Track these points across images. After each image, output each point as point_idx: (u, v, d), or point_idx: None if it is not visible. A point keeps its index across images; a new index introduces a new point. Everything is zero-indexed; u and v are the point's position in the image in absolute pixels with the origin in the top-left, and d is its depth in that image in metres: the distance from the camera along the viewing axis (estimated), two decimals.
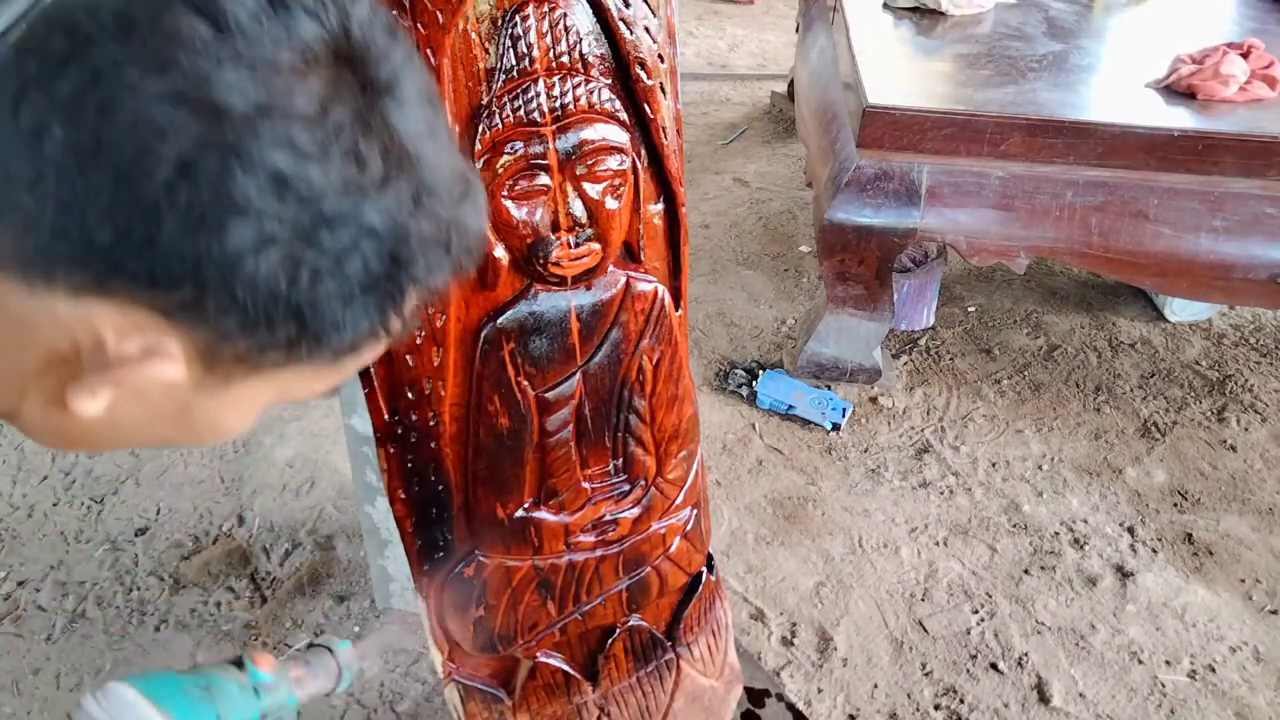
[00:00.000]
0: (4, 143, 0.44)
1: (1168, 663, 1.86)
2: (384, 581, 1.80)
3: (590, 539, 1.14)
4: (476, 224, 0.54)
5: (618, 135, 0.94)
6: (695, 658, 1.32)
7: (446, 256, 0.52)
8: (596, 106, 0.92)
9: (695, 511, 1.23)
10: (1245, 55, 2.39)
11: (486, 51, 0.86)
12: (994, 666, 1.85)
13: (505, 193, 0.90)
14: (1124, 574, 2.05)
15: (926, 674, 1.83)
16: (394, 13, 0.81)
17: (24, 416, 0.55)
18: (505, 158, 0.89)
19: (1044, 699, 1.79)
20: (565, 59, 0.89)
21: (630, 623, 1.24)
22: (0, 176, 0.44)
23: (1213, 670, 1.85)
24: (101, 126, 0.43)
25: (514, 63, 0.87)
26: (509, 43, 0.86)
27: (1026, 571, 2.05)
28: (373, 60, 0.48)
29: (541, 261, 0.95)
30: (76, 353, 0.50)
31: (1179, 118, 2.28)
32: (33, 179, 0.43)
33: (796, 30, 3.71)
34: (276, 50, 0.44)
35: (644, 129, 0.97)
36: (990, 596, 1.99)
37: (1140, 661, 1.86)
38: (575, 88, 0.90)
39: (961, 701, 1.78)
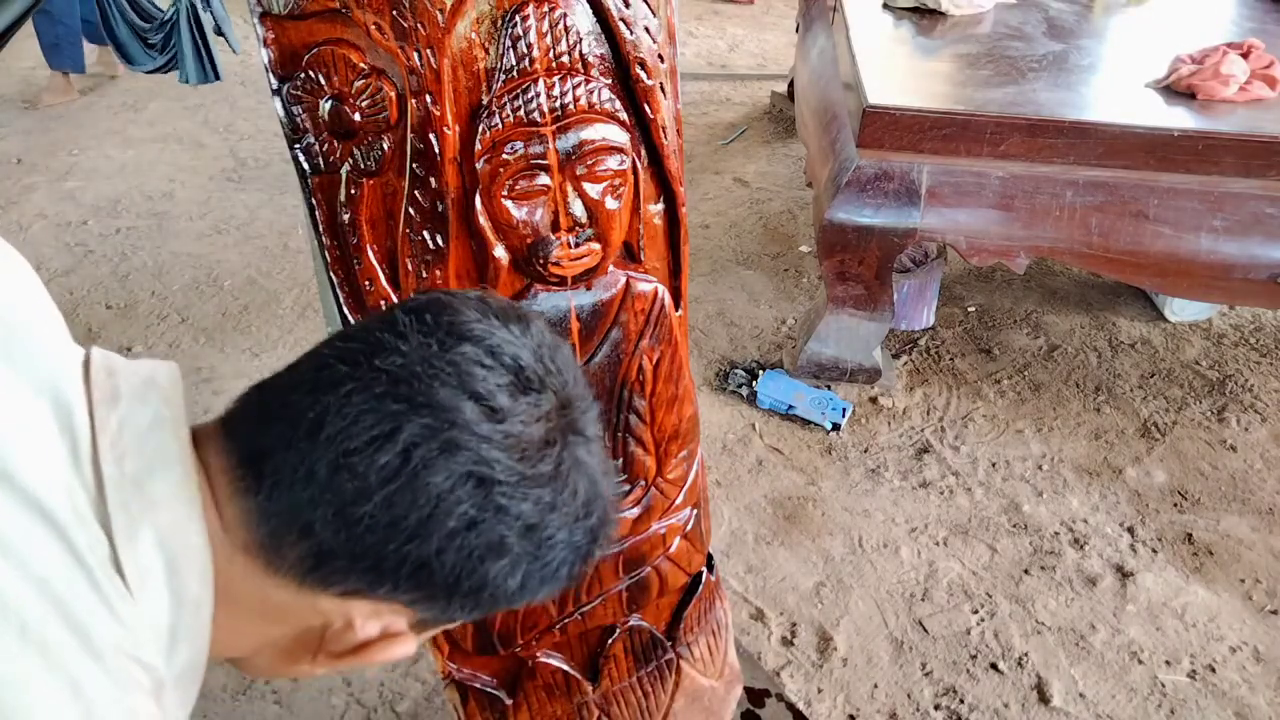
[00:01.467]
0: (314, 479, 0.56)
1: (1168, 663, 1.86)
2: None
3: None
4: (613, 532, 0.68)
5: (618, 135, 0.94)
6: (695, 658, 1.32)
7: (596, 553, 0.65)
8: (596, 106, 0.92)
9: (695, 511, 1.22)
10: (1245, 55, 2.39)
11: (486, 51, 0.86)
12: (994, 666, 1.85)
13: (505, 193, 0.90)
14: (1124, 574, 2.05)
15: (926, 674, 1.83)
16: (397, 14, 0.81)
17: (248, 663, 0.66)
18: (505, 158, 0.89)
19: (1044, 699, 1.79)
20: (565, 59, 0.89)
21: (630, 623, 1.24)
22: (307, 501, 0.56)
23: (1213, 670, 1.85)
24: (404, 495, 0.55)
25: (514, 63, 0.87)
26: (509, 43, 0.86)
27: (1026, 571, 2.05)
28: (578, 411, 0.62)
29: (541, 261, 0.95)
30: (324, 629, 0.62)
31: (1179, 118, 2.28)
32: (336, 516, 0.56)
33: (796, 30, 3.71)
34: (529, 427, 0.58)
35: (644, 129, 0.97)
36: (990, 596, 1.99)
37: (1140, 661, 1.86)
38: (575, 88, 0.90)
39: (961, 701, 1.78)
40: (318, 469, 0.55)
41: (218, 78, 3.46)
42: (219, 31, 3.39)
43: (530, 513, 0.58)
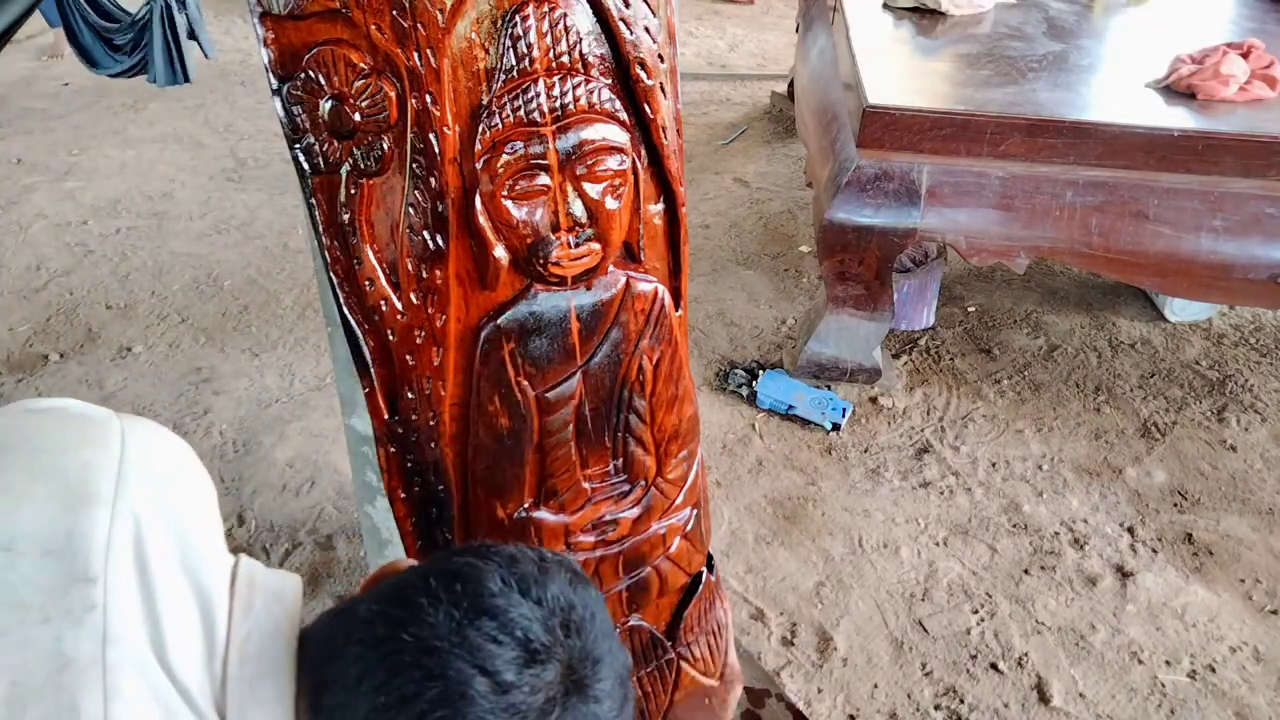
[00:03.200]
0: None
1: (1168, 663, 1.86)
2: None
3: (590, 539, 1.14)
4: None
5: (618, 135, 0.94)
6: (695, 658, 1.32)
7: None
8: (596, 106, 0.92)
9: (695, 511, 1.22)
10: (1245, 55, 2.39)
11: (486, 51, 0.86)
12: (994, 666, 1.85)
13: (505, 192, 0.90)
14: (1124, 574, 2.05)
15: (926, 674, 1.83)
16: (397, 14, 0.81)
17: None
18: (505, 157, 0.89)
19: (1044, 699, 1.78)
20: (565, 59, 0.89)
21: (630, 623, 1.24)
22: None
23: (1213, 670, 1.85)
24: None
25: (514, 63, 0.87)
26: (509, 43, 0.86)
27: (1026, 571, 2.05)
28: (585, 669, 0.70)
29: (541, 261, 0.95)
30: None
31: (1179, 118, 2.28)
32: None
33: (796, 30, 3.71)
34: (531, 696, 0.67)
35: (644, 129, 0.97)
36: (990, 596, 1.99)
37: (1140, 661, 1.86)
38: (575, 88, 0.90)
39: (961, 701, 1.78)
40: (358, 714, 0.68)
41: (187, 79, 3.46)
42: (192, 35, 3.39)
43: None
